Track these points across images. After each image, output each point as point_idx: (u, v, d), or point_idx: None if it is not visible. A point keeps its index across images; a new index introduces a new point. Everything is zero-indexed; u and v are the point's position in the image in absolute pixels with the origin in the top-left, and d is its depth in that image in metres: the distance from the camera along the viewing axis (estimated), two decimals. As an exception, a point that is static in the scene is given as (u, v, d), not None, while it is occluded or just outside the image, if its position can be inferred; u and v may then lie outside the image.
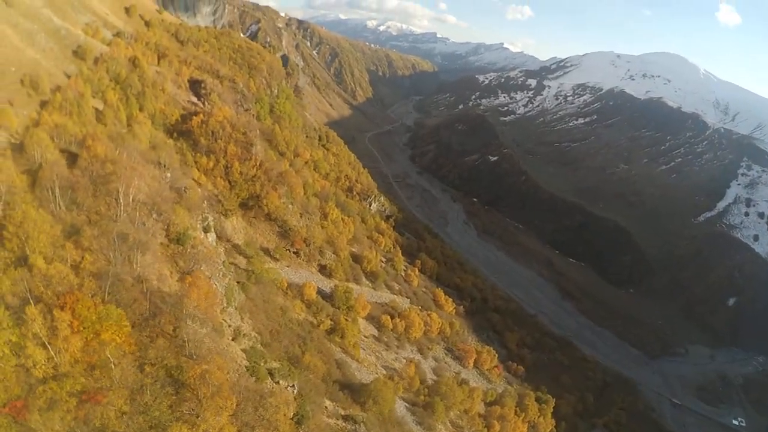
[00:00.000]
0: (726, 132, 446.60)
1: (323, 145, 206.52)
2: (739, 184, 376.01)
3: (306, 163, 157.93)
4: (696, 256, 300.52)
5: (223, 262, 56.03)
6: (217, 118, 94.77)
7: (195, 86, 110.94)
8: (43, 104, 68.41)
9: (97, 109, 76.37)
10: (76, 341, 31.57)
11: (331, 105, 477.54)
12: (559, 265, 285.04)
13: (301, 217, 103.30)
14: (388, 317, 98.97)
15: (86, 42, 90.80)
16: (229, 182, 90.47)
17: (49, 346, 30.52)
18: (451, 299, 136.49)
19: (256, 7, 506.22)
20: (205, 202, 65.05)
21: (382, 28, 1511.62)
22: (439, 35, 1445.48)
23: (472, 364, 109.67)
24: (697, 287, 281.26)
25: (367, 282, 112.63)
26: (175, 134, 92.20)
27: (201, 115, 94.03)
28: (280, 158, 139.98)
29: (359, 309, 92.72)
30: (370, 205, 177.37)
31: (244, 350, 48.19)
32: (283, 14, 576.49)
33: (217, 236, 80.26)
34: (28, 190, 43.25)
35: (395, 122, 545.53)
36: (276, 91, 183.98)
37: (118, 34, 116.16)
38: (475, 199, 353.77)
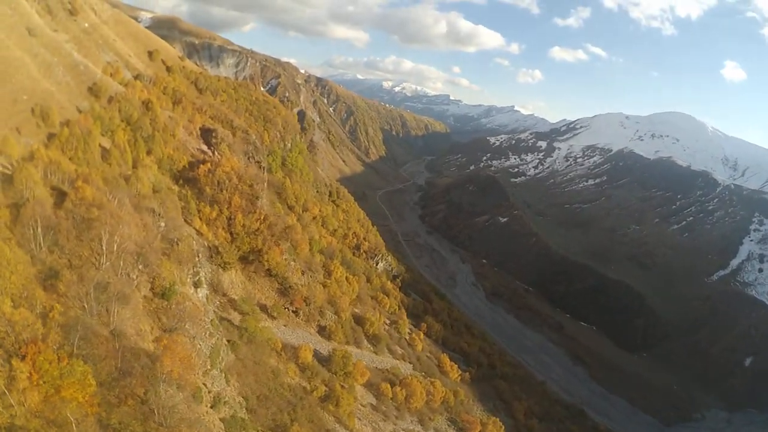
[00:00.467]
0: (736, 188, 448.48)
1: (333, 201, 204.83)
2: (751, 240, 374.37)
3: (314, 218, 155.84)
4: (710, 316, 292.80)
5: (212, 320, 52.07)
6: (225, 168, 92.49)
7: (206, 134, 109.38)
8: (51, 136, 66.66)
9: (104, 148, 74.34)
10: (34, 395, 28.53)
11: (344, 161, 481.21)
12: (570, 330, 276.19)
13: (303, 274, 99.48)
14: (388, 385, 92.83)
15: (102, 80, 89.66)
16: (231, 234, 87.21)
17: (7, 393, 27.31)
18: (456, 365, 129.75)
19: (278, 62, 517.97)
20: (199, 255, 61.15)
21: (397, 88, 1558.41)
22: (452, 97, 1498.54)
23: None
24: (713, 349, 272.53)
25: (369, 345, 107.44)
26: (181, 181, 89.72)
27: (208, 164, 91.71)
28: (288, 212, 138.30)
29: (357, 375, 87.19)
30: (377, 264, 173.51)
31: (223, 419, 43.74)
32: (302, 71, 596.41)
33: (212, 290, 76.77)
34: (10, 227, 40.40)
35: (407, 181, 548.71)
36: (289, 144, 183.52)
37: (137, 76, 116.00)
38: (484, 260, 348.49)
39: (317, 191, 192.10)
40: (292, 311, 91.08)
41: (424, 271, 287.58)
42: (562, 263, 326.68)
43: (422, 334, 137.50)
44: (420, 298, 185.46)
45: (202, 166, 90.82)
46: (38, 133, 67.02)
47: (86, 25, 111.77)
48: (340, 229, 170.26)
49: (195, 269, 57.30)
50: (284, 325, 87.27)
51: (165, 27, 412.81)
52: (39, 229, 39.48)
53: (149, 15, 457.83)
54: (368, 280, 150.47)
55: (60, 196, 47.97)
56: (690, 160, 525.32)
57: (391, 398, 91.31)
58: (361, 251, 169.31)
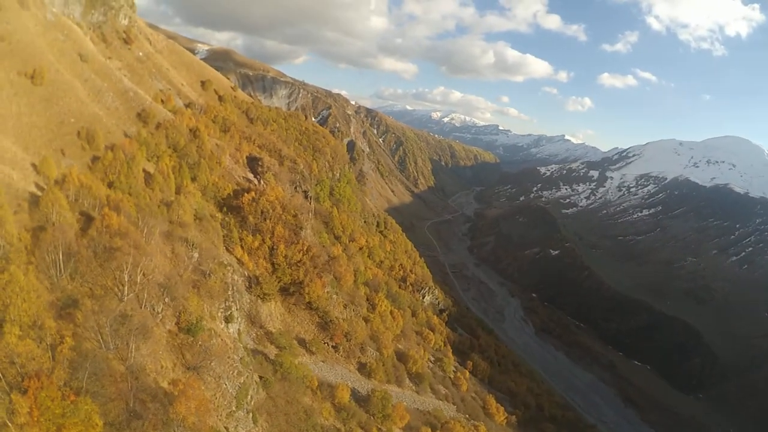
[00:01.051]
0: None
1: (381, 231, 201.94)
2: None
3: (361, 248, 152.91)
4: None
5: (242, 358, 48.70)
6: (269, 197, 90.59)
7: (253, 163, 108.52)
8: (95, 159, 66.56)
9: (147, 173, 73.54)
10: (34, 432, 25.21)
11: (392, 191, 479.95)
12: (622, 368, 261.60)
13: (345, 308, 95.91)
14: (429, 429, 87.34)
15: (151, 107, 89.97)
16: (273, 265, 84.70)
17: (10, 424, 25.44)
18: (502, 407, 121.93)
19: (329, 93, 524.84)
20: (233, 288, 58.18)
21: (446, 119, 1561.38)
22: (501, 127, 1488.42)
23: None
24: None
25: (411, 384, 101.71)
26: (224, 208, 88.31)
27: (253, 193, 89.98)
28: (335, 241, 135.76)
29: (396, 418, 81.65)
30: (423, 298, 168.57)
31: (247, 464, 40.29)
32: (353, 102, 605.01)
33: (249, 321, 74.02)
34: (31, 250, 38.48)
35: (455, 212, 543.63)
36: (338, 174, 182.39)
37: (188, 104, 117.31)
38: (534, 294, 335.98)
39: (365, 221, 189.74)
40: (332, 346, 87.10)
41: (471, 304, 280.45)
42: (615, 298, 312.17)
43: (468, 373, 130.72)
44: (467, 333, 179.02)
45: (246, 194, 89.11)
46: (82, 155, 66.68)
47: (140, 53, 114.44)
48: (386, 261, 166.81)
49: (227, 303, 54.39)
50: (322, 361, 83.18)
51: (220, 59, 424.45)
52: (60, 255, 37.42)
53: (206, 47, 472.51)
54: (413, 314, 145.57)
55: (87, 221, 46.27)
56: (747, 186, 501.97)
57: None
58: (408, 284, 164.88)
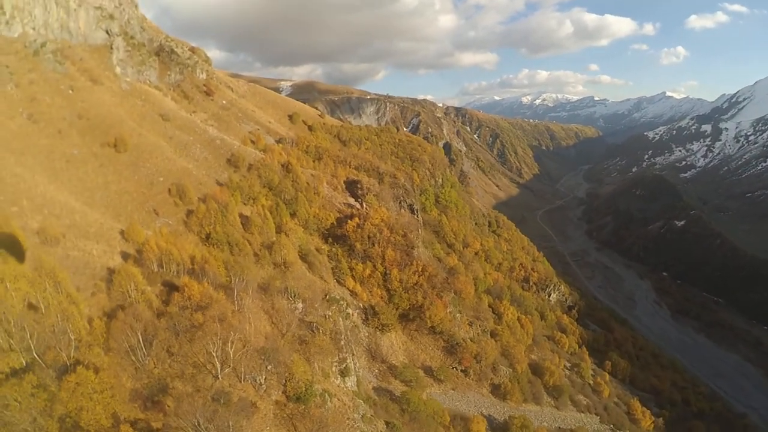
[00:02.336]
0: None
1: (494, 231, 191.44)
2: None
3: (476, 253, 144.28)
4: None
5: (363, 415, 41.93)
6: (374, 220, 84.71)
7: (352, 187, 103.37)
8: (189, 213, 63.90)
9: (244, 217, 70.02)
10: None
11: (497, 186, 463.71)
12: None
13: (470, 326, 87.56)
14: None
15: (240, 150, 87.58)
16: (388, 291, 78.29)
17: None
18: (648, 410, 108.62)
19: (415, 101, 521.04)
20: (344, 336, 51.64)
21: (537, 101, 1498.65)
22: (596, 98, 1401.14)
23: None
24: None
25: (549, 399, 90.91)
26: (330, 239, 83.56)
27: (356, 219, 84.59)
28: (448, 250, 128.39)
29: None
30: (549, 296, 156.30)
31: None
32: (440, 105, 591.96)
33: (369, 356, 67.84)
34: (106, 337, 34.21)
35: (566, 196, 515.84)
36: (440, 180, 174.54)
37: (279, 140, 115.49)
38: (664, 273, 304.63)
39: (475, 223, 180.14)
40: (461, 371, 78.73)
41: (598, 293, 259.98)
42: (753, 265, 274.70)
43: (607, 376, 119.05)
44: (599, 328, 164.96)
45: (350, 221, 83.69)
46: (176, 212, 64.07)
47: (223, 102, 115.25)
48: (505, 262, 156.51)
49: (341, 355, 47.94)
50: (452, 389, 75.21)
51: (305, 91, 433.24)
52: (140, 338, 32.56)
53: (288, 83, 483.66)
54: (542, 317, 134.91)
55: (170, 292, 41.74)
56: None
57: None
58: (531, 284, 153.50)
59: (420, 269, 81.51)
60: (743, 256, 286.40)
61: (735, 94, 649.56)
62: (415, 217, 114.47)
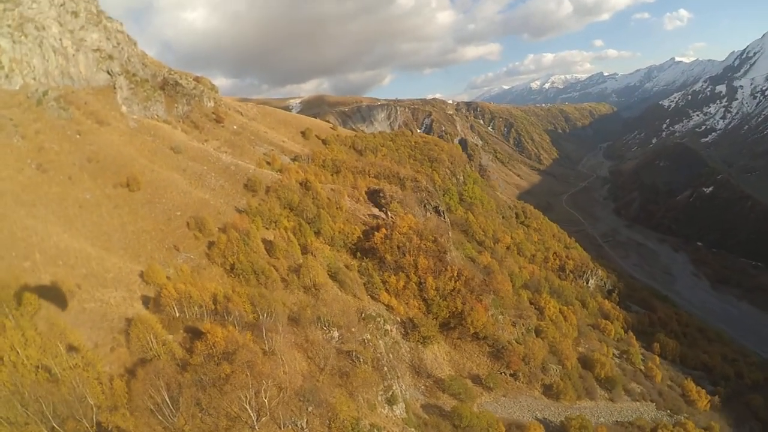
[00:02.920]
0: None
1: (522, 222, 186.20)
2: None
3: (508, 247, 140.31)
4: None
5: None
6: (401, 229, 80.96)
7: (374, 197, 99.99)
8: (211, 245, 61.13)
9: (268, 242, 67.11)
10: None
11: (518, 176, 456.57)
12: None
13: (514, 326, 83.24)
14: None
15: (256, 174, 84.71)
16: (425, 302, 74.43)
17: None
18: (702, 389, 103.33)
19: (425, 101, 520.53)
20: (386, 360, 48.03)
21: (547, 85, 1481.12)
22: (605, 73, 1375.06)
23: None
24: None
25: (603, 392, 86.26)
26: (358, 253, 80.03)
27: (384, 230, 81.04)
28: (480, 249, 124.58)
29: None
30: (587, 282, 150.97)
31: None
32: (450, 102, 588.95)
33: (414, 373, 64.14)
34: (132, 390, 31.30)
35: (589, 176, 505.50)
36: (462, 177, 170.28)
37: (295, 158, 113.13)
38: (699, 243, 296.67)
39: (503, 217, 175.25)
40: (510, 375, 74.58)
41: (634, 271, 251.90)
42: None
43: (657, 359, 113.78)
44: (641, 308, 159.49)
45: (376, 233, 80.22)
46: (197, 245, 61.40)
47: (234, 127, 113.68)
48: (538, 253, 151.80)
49: (386, 383, 44.31)
50: (503, 396, 71.12)
51: (314, 106, 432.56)
52: (165, 395, 29.48)
53: (297, 100, 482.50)
54: (583, 305, 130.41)
55: (194, 338, 38.59)
56: None
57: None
58: (567, 272, 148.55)
59: (455, 274, 77.44)
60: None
61: (744, 50, 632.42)
62: (443, 219, 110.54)
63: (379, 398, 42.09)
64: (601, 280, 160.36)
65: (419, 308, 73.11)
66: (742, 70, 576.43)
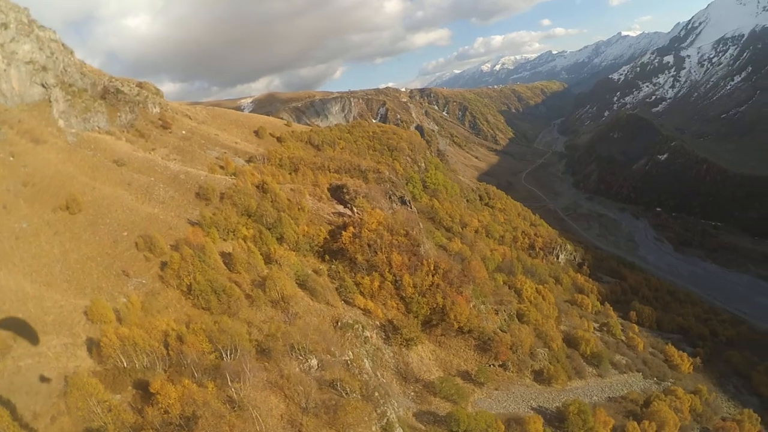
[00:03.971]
0: None
1: (486, 204, 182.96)
2: None
3: (476, 231, 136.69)
4: None
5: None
6: (370, 225, 75.38)
7: (337, 193, 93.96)
8: (163, 265, 54.63)
9: (226, 255, 60.71)
10: None
11: (477, 158, 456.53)
12: None
13: (497, 314, 79.05)
14: (635, 424, 67.79)
15: (208, 180, 77.56)
16: (404, 301, 69.25)
17: None
18: (684, 353, 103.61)
19: (378, 91, 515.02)
20: (377, 384, 42.46)
21: (497, 67, 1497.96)
22: (554, 52, 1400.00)
23: (736, 446, 74.94)
24: None
25: (591, 369, 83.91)
26: (326, 256, 74.20)
27: (351, 228, 75.24)
28: (449, 235, 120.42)
29: (600, 427, 64.08)
30: (557, 258, 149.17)
31: None
32: (404, 89, 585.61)
33: (401, 379, 59.03)
34: None
35: (545, 153, 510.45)
36: (423, 164, 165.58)
37: (250, 159, 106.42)
38: (658, 209, 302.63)
39: (467, 200, 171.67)
40: (499, 366, 70.51)
41: (598, 242, 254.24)
42: (745, 184, 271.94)
43: (636, 327, 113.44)
44: (612, 278, 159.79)
45: (344, 232, 74.40)
46: (148, 267, 54.73)
47: (183, 132, 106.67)
48: (507, 234, 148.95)
49: (378, 409, 38.71)
50: (495, 389, 67.00)
51: (267, 104, 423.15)
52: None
53: (249, 100, 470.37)
54: (557, 282, 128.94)
55: (144, 396, 32.20)
56: None
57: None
58: (537, 249, 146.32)
59: (432, 268, 72.44)
60: (733, 176, 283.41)
61: (690, 20, 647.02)
62: (411, 210, 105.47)
63: (375, 428, 36.52)
64: (571, 254, 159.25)
65: (398, 308, 67.92)
66: (689, 40, 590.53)
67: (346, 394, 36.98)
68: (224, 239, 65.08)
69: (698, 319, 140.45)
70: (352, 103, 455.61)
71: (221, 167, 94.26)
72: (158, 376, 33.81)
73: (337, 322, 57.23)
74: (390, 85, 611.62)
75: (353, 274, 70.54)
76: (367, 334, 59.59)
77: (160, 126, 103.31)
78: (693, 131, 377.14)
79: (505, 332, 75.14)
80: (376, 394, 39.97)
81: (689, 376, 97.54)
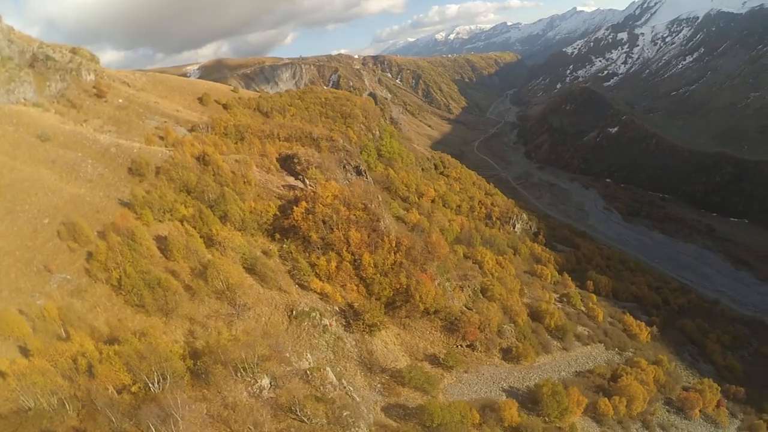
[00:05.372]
0: None
1: (441, 173, 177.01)
2: None
3: (433, 201, 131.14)
4: None
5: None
6: (325, 199, 67.79)
7: (287, 163, 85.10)
8: (90, 256, 46.75)
9: (162, 239, 52.59)
10: None
11: (430, 126, 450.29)
12: (722, 230, 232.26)
13: (462, 291, 73.55)
14: (606, 399, 65.78)
15: (142, 153, 67.87)
16: (364, 282, 62.66)
17: None
18: (641, 323, 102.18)
19: (331, 57, 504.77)
20: (345, 414, 34.91)
21: (452, 36, 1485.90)
22: (509, 23, 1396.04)
23: (698, 413, 74.54)
24: None
25: (556, 343, 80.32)
26: (277, 235, 66.34)
27: (304, 203, 67.44)
28: (407, 206, 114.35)
29: (574, 407, 60.51)
30: (513, 227, 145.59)
31: None
32: (357, 56, 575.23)
33: (366, 370, 52.95)
34: None
35: (498, 123, 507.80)
36: (378, 132, 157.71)
37: (193, 128, 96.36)
38: (608, 180, 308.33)
39: (422, 169, 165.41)
40: (467, 347, 65.43)
41: (549, 210, 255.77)
42: (692, 159, 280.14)
43: (594, 297, 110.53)
44: (565, 246, 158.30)
45: (296, 208, 66.62)
46: (73, 260, 46.78)
47: (120, 101, 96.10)
48: (464, 203, 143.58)
49: None
50: (465, 372, 62.17)
51: (215, 71, 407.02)
52: None
53: (195, 67, 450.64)
54: (516, 252, 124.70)
55: None
56: None
57: (613, 415, 65.49)
58: (494, 219, 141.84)
59: (394, 245, 65.86)
60: (680, 151, 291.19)
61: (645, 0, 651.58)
62: (367, 180, 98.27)
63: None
64: (527, 223, 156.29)
65: (358, 291, 61.22)
66: (643, 19, 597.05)
67: (308, 420, 30.04)
68: (160, 221, 56.63)
69: (650, 287, 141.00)
70: (304, 70, 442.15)
71: (161, 138, 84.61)
72: (67, 421, 26.02)
73: (291, 311, 50.56)
74: (343, 51, 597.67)
75: (307, 255, 63.22)
76: (326, 322, 53.01)
77: (94, 95, 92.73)
78: (643, 106, 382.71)
79: (472, 310, 70.00)
80: (345, 414, 33.03)
81: (648, 345, 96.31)
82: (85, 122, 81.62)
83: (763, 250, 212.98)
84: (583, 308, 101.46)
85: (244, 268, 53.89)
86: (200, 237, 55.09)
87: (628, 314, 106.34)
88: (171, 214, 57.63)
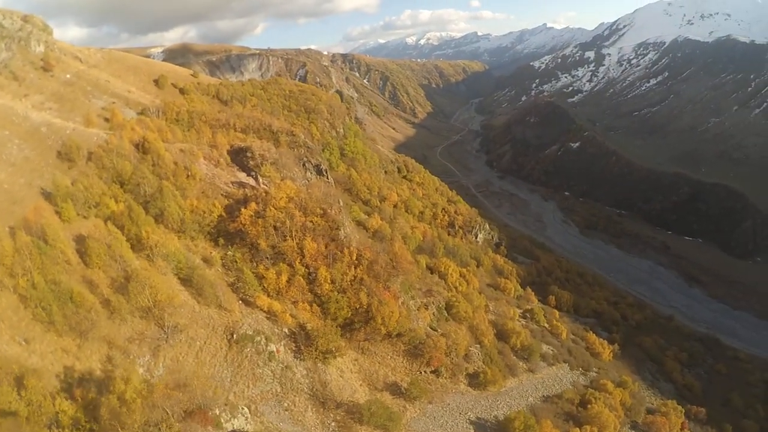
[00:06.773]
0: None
1: (405, 177, 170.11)
2: None
3: (395, 206, 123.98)
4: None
5: None
6: (278, 201, 58.86)
7: (240, 157, 75.33)
8: None
9: (81, 239, 43.26)
10: None
11: (394, 129, 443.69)
12: (676, 247, 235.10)
13: (427, 309, 66.18)
14: (577, 430, 59.81)
15: (74, 136, 57.69)
16: (319, 300, 54.22)
17: None
18: (603, 341, 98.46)
19: (299, 52, 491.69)
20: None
21: (422, 41, 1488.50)
22: (479, 33, 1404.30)
23: (665, 438, 70.33)
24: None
25: (522, 364, 74.04)
26: (221, 240, 57.15)
27: (254, 204, 58.42)
28: (368, 210, 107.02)
29: None
30: (476, 237, 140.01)
31: None
32: (326, 53, 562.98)
33: (318, 405, 44.97)
34: None
35: (462, 130, 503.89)
36: (342, 130, 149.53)
37: (142, 111, 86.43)
38: (567, 193, 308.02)
39: (385, 172, 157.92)
40: (431, 373, 58.25)
41: (508, 220, 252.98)
42: (649, 177, 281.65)
43: (557, 313, 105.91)
44: (526, 258, 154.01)
45: (244, 209, 57.59)
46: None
47: (67, 76, 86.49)
48: (427, 210, 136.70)
49: None
50: (429, 403, 54.72)
51: (179, 56, 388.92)
52: None
53: (160, 50, 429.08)
54: (479, 264, 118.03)
55: None
56: (748, 33, 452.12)
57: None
58: (457, 228, 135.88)
59: (355, 258, 57.62)
60: (639, 169, 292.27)
61: (615, 21, 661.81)
62: (328, 181, 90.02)
63: None
64: (489, 233, 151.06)
65: (312, 310, 52.60)
66: (611, 40, 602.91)
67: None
68: (85, 217, 47.16)
69: (608, 302, 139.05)
70: (271, 62, 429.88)
71: (106, 120, 74.87)
72: None
73: (232, 335, 42.30)
74: (312, 47, 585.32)
75: (254, 265, 54.33)
76: (273, 347, 44.81)
77: (41, 68, 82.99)
78: (605, 124, 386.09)
79: (437, 331, 63.04)
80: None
81: (610, 364, 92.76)
82: (25, 97, 72.62)
83: (716, 268, 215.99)
84: (546, 325, 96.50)
85: (178, 278, 45.29)
86: (128, 240, 45.84)
87: (590, 331, 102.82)
88: (97, 210, 48.22)
